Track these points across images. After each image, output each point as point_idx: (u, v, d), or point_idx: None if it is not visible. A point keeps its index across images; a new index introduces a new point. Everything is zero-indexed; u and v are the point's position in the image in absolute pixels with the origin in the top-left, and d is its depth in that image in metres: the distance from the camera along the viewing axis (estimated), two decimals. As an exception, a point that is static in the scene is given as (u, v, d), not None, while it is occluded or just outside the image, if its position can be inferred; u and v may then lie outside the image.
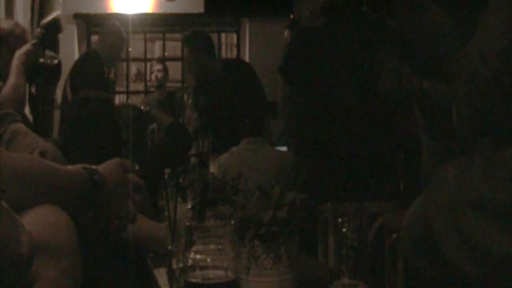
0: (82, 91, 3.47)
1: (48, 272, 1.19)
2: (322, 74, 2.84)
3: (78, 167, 1.39)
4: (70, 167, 1.40)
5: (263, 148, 3.33)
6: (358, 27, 2.91)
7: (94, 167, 1.40)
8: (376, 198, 2.61)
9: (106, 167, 1.42)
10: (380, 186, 2.79)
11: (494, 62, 1.38)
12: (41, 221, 1.21)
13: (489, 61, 1.39)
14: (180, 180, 1.84)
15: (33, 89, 2.90)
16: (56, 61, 2.92)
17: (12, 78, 2.69)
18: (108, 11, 6.92)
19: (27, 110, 2.98)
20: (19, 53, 2.74)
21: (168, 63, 7.70)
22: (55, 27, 4.48)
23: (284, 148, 3.72)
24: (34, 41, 2.85)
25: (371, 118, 2.84)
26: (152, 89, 7.09)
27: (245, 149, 3.34)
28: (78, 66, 4.66)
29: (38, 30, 3.55)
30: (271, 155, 3.31)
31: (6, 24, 2.96)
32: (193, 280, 1.32)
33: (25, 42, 2.86)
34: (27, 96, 2.89)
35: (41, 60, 2.84)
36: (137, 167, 1.52)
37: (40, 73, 2.84)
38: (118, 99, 7.85)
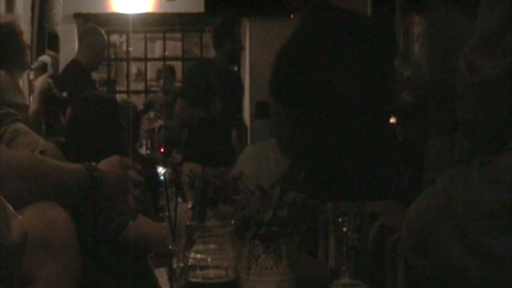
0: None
1: (46, 269, 1.19)
2: (320, 75, 2.84)
3: (77, 164, 1.39)
4: (69, 164, 1.40)
5: (273, 148, 3.33)
6: (339, 24, 2.91)
7: (93, 163, 1.40)
8: (377, 198, 2.61)
9: (106, 164, 1.42)
10: (380, 185, 2.79)
11: (479, 68, 1.39)
12: (40, 217, 1.22)
13: (474, 67, 1.39)
14: (181, 179, 1.84)
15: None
16: (64, 94, 3.17)
17: (33, 107, 3.00)
18: (109, 11, 6.92)
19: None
20: (39, 83, 3.05)
21: (168, 63, 7.71)
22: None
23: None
24: (49, 72, 3.23)
25: (371, 118, 2.84)
26: (152, 89, 7.10)
27: (261, 148, 3.34)
28: (60, 80, 4.58)
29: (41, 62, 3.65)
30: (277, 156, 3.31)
31: None
32: (194, 280, 1.32)
33: (18, 26, 3.10)
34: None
35: (54, 91, 3.09)
36: (139, 167, 1.52)
37: (52, 103, 3.11)
38: (119, 99, 7.85)
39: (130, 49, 7.72)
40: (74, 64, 4.51)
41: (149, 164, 3.28)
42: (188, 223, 1.39)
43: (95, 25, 4.74)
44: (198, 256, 1.32)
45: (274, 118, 3.03)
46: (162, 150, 3.31)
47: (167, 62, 7.66)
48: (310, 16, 2.90)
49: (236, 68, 4.56)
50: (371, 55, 2.83)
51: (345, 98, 2.81)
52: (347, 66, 2.81)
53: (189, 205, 1.81)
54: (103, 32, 4.63)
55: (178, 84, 7.00)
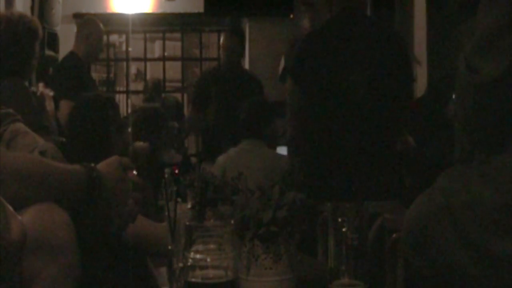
0: (64, 97, 3.63)
1: (46, 270, 1.19)
2: (331, 74, 2.87)
3: (76, 165, 1.39)
4: (68, 165, 1.40)
5: (259, 149, 3.34)
6: (365, 27, 2.95)
7: (92, 164, 1.40)
8: (377, 198, 2.61)
9: (105, 165, 1.42)
10: (381, 186, 2.79)
11: (479, 68, 1.39)
12: (40, 219, 1.22)
13: (474, 67, 1.39)
14: (180, 179, 1.84)
15: None
16: (50, 93, 3.41)
17: None
18: (108, 11, 6.92)
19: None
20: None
21: (167, 63, 7.72)
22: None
23: (284, 148, 3.72)
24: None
25: (374, 118, 2.84)
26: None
27: (242, 150, 3.35)
28: (56, 72, 4.50)
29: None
30: (267, 157, 3.31)
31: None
32: (193, 280, 1.32)
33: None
34: None
35: None
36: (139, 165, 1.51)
37: None
38: (118, 99, 7.87)
39: (130, 49, 7.72)
40: (71, 56, 4.43)
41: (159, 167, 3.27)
42: (187, 223, 1.39)
43: (92, 18, 4.68)
44: (198, 256, 1.32)
45: (290, 100, 3.08)
46: (176, 171, 3.25)
47: (167, 61, 7.68)
48: (338, 14, 2.96)
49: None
50: (388, 61, 2.88)
51: (354, 96, 2.83)
52: (362, 67, 2.86)
53: (189, 205, 1.81)
54: (100, 24, 4.56)
55: (168, 84, 7.04)
